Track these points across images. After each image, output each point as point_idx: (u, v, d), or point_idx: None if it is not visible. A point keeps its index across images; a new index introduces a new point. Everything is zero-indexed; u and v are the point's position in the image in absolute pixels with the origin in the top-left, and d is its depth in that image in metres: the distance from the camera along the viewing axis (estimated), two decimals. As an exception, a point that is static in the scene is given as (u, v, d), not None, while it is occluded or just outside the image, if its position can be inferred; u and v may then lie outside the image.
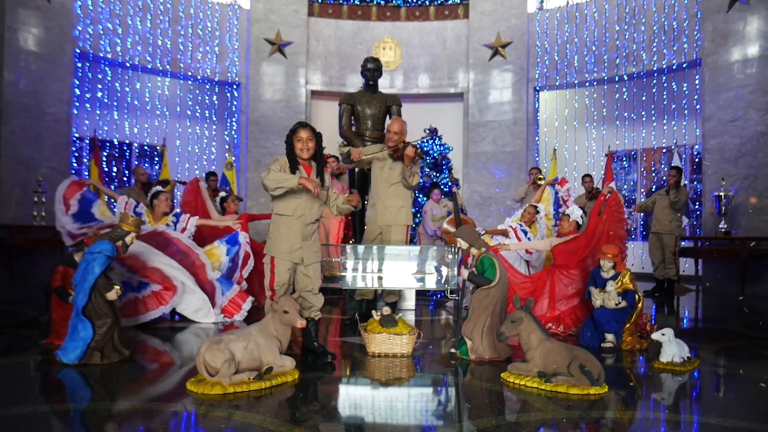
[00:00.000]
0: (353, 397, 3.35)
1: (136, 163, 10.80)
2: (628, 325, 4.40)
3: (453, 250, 5.01)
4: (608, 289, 4.39)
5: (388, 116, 6.87)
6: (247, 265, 5.86)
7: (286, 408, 3.02)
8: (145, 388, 3.38)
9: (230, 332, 3.37)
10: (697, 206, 10.22)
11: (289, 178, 3.77)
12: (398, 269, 5.30)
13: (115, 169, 10.67)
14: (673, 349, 3.76)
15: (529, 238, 6.57)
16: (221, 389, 3.09)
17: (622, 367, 3.98)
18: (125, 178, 10.81)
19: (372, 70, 6.75)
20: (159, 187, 5.99)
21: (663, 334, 3.78)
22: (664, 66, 10.31)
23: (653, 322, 5.73)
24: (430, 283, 5.30)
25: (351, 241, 7.43)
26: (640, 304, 4.44)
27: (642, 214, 11.00)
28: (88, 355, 3.66)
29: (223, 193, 7.57)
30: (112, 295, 3.76)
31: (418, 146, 5.08)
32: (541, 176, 8.65)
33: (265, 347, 3.33)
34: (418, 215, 9.02)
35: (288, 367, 3.42)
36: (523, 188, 8.88)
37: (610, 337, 4.37)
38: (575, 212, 5.47)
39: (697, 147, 10.34)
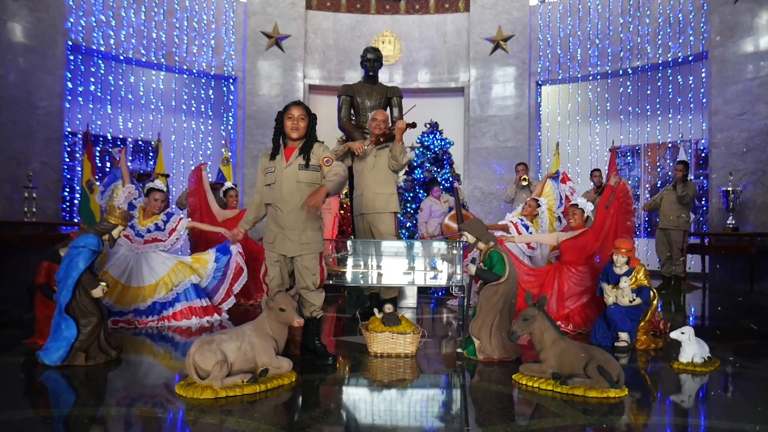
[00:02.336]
0: (354, 400, 3.15)
1: (119, 153, 10.45)
2: (642, 323, 4.20)
3: (457, 245, 4.80)
4: (622, 286, 4.18)
5: (388, 108, 6.65)
6: (239, 279, 5.60)
7: (282, 413, 2.82)
8: (131, 392, 3.16)
9: (222, 332, 3.15)
10: (703, 202, 10.02)
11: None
12: (398, 265, 5.09)
13: (108, 164, 10.41)
14: (693, 348, 3.56)
15: (530, 233, 6.39)
16: (212, 393, 2.88)
17: (638, 368, 3.77)
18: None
19: (372, 60, 6.53)
20: (158, 183, 5.76)
21: (683, 333, 3.58)
22: (670, 59, 10.10)
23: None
24: (433, 280, 5.08)
25: (350, 238, 7.21)
26: (655, 301, 4.24)
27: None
28: (72, 356, 3.45)
29: (229, 184, 7.38)
30: (97, 292, 3.55)
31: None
32: (525, 177, 8.46)
33: (260, 347, 3.12)
34: (419, 212, 8.81)
35: (285, 369, 3.21)
36: (511, 188, 8.72)
37: (624, 335, 4.16)
38: (587, 206, 5.27)
39: (703, 141, 10.14)
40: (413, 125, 5.10)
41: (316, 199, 3.43)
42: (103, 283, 3.60)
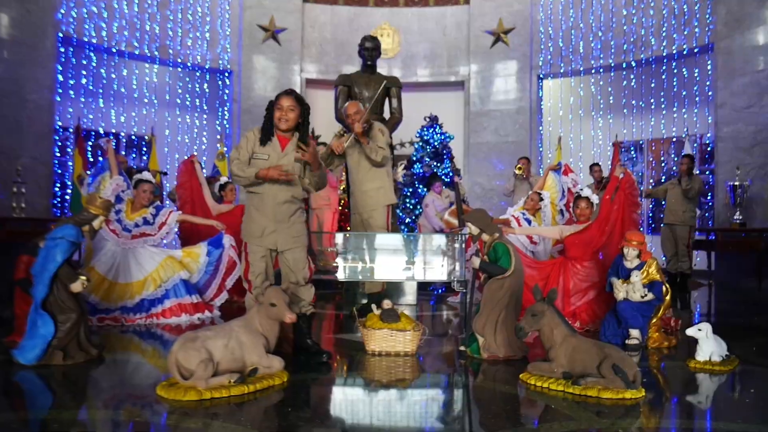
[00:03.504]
0: (350, 401, 2.96)
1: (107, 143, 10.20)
2: (654, 320, 3.99)
3: (460, 239, 4.59)
4: (633, 280, 3.96)
5: (387, 99, 6.44)
6: (232, 274, 5.38)
7: (272, 416, 2.61)
8: (111, 394, 2.95)
9: (208, 328, 2.94)
10: (708, 197, 9.81)
11: (248, 174, 3.41)
12: (392, 259, 4.89)
13: (100, 159, 10.19)
14: (711, 346, 3.35)
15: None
16: (196, 394, 2.67)
17: (652, 367, 3.57)
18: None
19: (370, 49, 6.32)
20: (146, 174, 5.54)
21: (700, 330, 3.37)
22: (675, 51, 9.87)
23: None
24: (434, 275, 4.88)
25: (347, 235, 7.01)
26: (667, 297, 4.02)
27: (651, 205, 10.60)
28: (49, 355, 3.24)
29: (224, 178, 7.17)
30: (77, 286, 3.34)
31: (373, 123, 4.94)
32: (520, 166, 8.26)
33: (248, 345, 2.91)
34: (419, 207, 8.60)
35: (276, 368, 2.99)
36: (510, 181, 8.51)
37: (635, 333, 3.94)
38: (594, 197, 5.07)
39: (709, 135, 9.92)
40: (369, 124, 4.86)
41: (312, 152, 3.47)
42: (83, 277, 3.38)
